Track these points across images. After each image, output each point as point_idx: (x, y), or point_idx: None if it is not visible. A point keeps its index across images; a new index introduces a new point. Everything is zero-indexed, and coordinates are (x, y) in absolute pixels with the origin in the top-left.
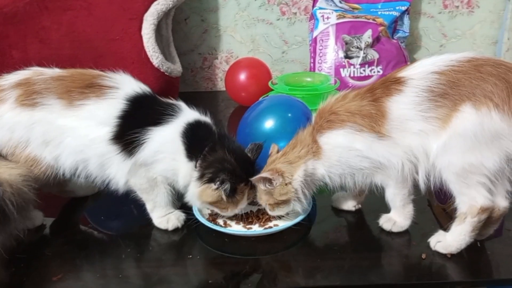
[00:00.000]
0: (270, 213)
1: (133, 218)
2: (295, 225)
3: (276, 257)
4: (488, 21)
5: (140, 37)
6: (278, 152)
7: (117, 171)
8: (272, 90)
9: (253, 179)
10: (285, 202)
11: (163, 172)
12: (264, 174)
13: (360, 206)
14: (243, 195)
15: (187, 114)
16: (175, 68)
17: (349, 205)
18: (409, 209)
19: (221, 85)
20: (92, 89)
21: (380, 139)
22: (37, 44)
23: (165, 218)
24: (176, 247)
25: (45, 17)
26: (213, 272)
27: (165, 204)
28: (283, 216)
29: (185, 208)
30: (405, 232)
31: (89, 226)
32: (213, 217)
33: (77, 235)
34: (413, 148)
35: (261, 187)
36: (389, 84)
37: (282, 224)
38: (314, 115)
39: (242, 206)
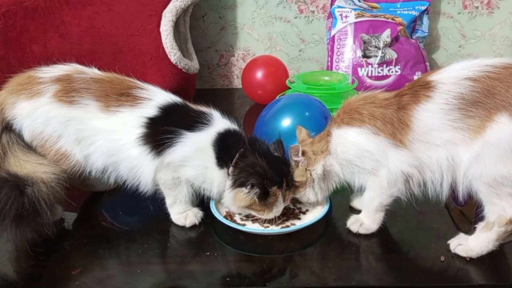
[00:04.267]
0: (295, 196)
1: (150, 213)
2: (312, 224)
3: (292, 256)
4: (508, 22)
5: (159, 33)
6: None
7: (145, 169)
8: (290, 88)
9: (290, 147)
10: (301, 185)
11: (191, 178)
12: (296, 145)
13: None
14: (276, 198)
15: (219, 123)
16: (193, 65)
17: None
18: (380, 215)
19: (237, 83)
20: (128, 98)
21: (396, 146)
22: (57, 39)
23: (183, 214)
24: (193, 243)
25: (66, 12)
26: (230, 269)
27: (185, 202)
28: (302, 213)
29: (202, 205)
30: (423, 234)
31: (107, 221)
32: (230, 215)
33: (96, 229)
34: (435, 160)
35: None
36: (418, 89)
37: (299, 224)
38: (339, 109)
39: (278, 208)
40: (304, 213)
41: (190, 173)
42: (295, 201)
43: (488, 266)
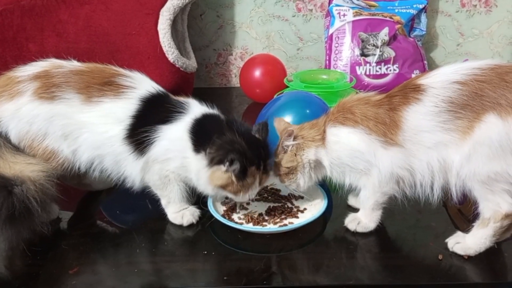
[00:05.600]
0: (286, 184)
1: (148, 212)
2: (309, 223)
3: (290, 254)
4: (506, 20)
5: (156, 32)
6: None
7: (131, 170)
8: (288, 87)
9: (284, 132)
10: (292, 170)
11: (176, 170)
12: (290, 129)
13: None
14: (254, 179)
15: (195, 110)
16: (190, 63)
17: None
18: (377, 214)
19: (235, 81)
20: (110, 87)
21: (388, 146)
22: (54, 38)
23: (179, 213)
24: (190, 242)
25: (63, 11)
26: (228, 268)
27: (179, 200)
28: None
29: (200, 204)
30: (421, 233)
31: (104, 219)
32: (228, 214)
33: (93, 228)
34: (426, 162)
35: (279, 154)
36: (408, 92)
37: (296, 222)
38: (333, 106)
39: (253, 191)
40: (302, 211)
41: (173, 166)
42: (293, 199)
43: (485, 265)
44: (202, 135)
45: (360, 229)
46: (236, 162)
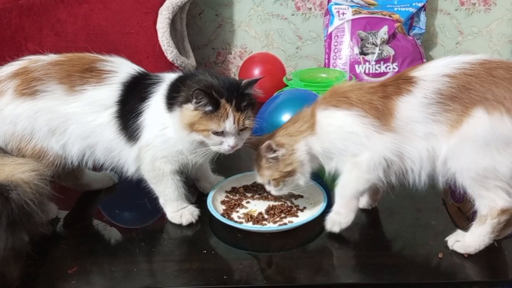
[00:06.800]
0: (275, 192)
1: (147, 212)
2: (309, 222)
3: (290, 253)
4: (505, 19)
5: (155, 31)
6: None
7: (126, 157)
8: (287, 85)
9: (261, 148)
10: (291, 173)
11: (166, 153)
12: (266, 143)
13: (376, 204)
14: (226, 112)
15: (170, 77)
16: (189, 62)
17: (365, 203)
18: (355, 203)
19: None
20: (92, 73)
21: (382, 131)
22: (52, 37)
23: (178, 213)
24: (190, 242)
25: (61, 10)
26: (227, 267)
27: (175, 198)
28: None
29: (200, 203)
30: (421, 231)
31: (103, 219)
32: (227, 213)
33: (92, 228)
34: (416, 150)
35: (264, 161)
36: (401, 83)
37: (296, 221)
38: (325, 92)
39: (229, 125)
40: (301, 210)
41: (161, 147)
42: (293, 198)
43: (486, 263)
44: (176, 93)
45: (344, 225)
46: (201, 94)
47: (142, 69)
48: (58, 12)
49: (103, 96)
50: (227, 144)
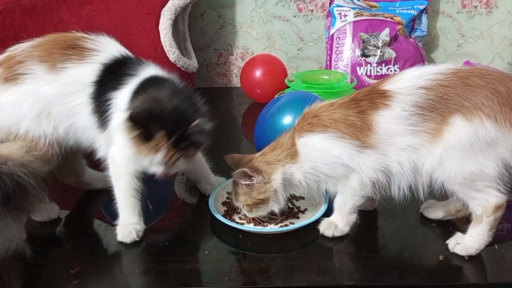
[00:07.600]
0: (248, 214)
1: (148, 212)
2: (311, 223)
3: (291, 255)
4: (507, 22)
5: (157, 32)
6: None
7: (100, 144)
8: (288, 87)
9: (234, 173)
10: (263, 201)
11: (124, 153)
12: (243, 168)
13: (377, 205)
14: (158, 146)
15: (144, 74)
16: (191, 63)
17: (366, 205)
18: (353, 217)
19: (236, 82)
20: (74, 50)
21: (363, 149)
22: None
23: (127, 228)
24: (191, 243)
25: (64, 10)
26: (228, 269)
27: (127, 210)
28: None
29: (201, 204)
30: (421, 233)
31: (105, 219)
32: (229, 214)
33: (94, 228)
34: (398, 163)
35: (239, 186)
36: (375, 97)
37: (297, 223)
38: (297, 118)
39: (157, 159)
40: (303, 212)
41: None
42: (294, 200)
43: (486, 265)
44: (135, 94)
45: (337, 233)
46: (136, 120)
47: (128, 53)
48: (61, 12)
49: (83, 75)
50: (154, 171)
